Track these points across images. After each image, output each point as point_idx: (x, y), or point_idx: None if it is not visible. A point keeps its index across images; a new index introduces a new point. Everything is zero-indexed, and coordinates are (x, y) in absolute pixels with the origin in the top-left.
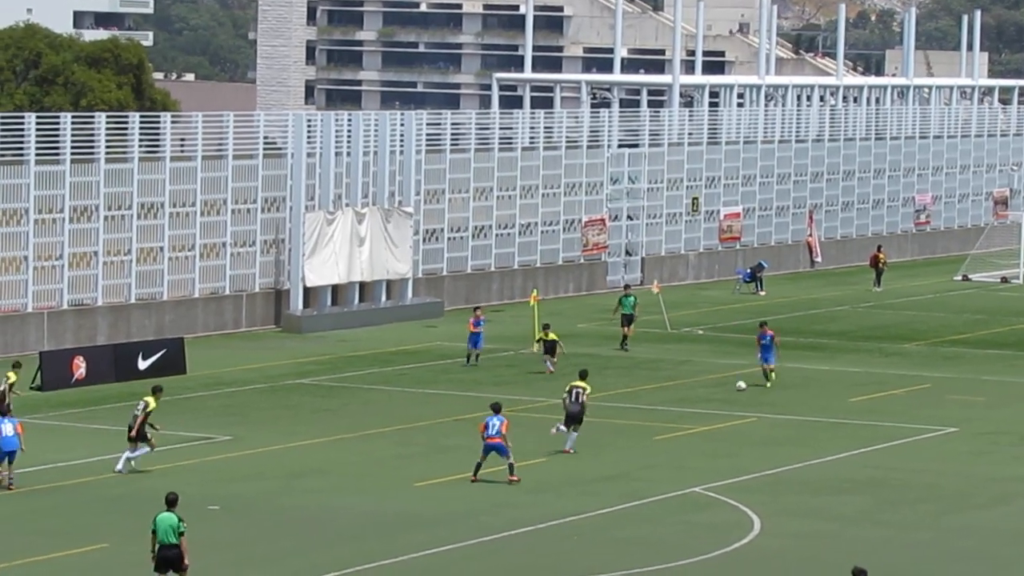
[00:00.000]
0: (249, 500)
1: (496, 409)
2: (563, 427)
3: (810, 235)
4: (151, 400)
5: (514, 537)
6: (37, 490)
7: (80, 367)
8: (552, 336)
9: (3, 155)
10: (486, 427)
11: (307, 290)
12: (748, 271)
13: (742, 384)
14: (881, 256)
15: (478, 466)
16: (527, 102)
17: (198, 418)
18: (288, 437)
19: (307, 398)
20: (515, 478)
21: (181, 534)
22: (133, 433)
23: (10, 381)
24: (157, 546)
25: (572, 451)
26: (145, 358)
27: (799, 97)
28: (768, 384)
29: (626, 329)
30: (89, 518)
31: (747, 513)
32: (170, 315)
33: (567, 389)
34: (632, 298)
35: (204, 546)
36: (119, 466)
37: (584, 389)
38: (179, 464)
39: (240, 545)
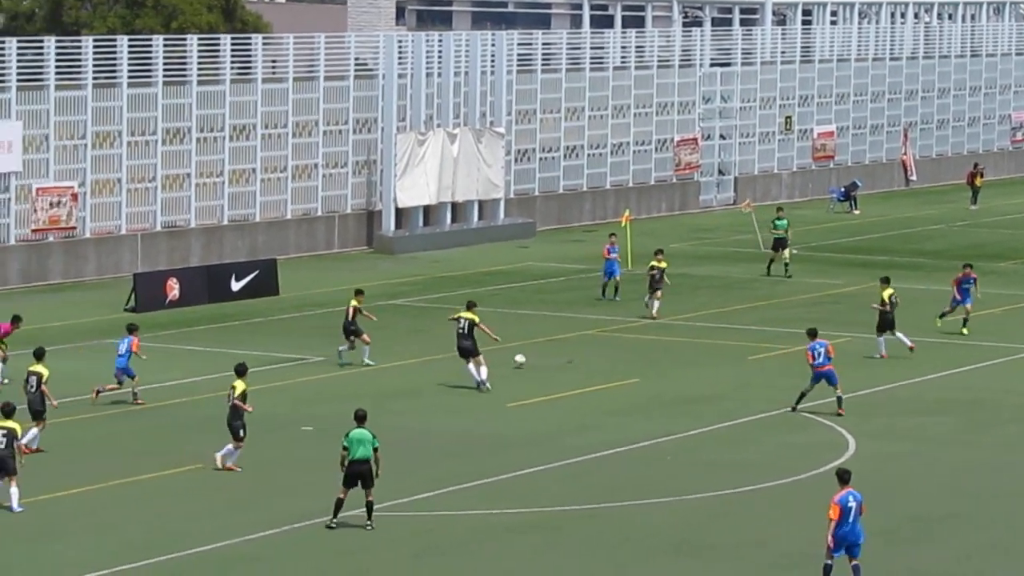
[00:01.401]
0: (342, 421)
1: (813, 335)
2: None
3: (905, 153)
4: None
5: (604, 458)
6: (133, 411)
7: (174, 288)
8: (663, 263)
9: (96, 78)
10: (813, 355)
11: (399, 211)
12: (842, 190)
13: (520, 358)
14: (978, 174)
15: (802, 395)
16: (618, 21)
17: (291, 339)
18: (380, 358)
19: (399, 319)
20: (842, 411)
21: (375, 448)
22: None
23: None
24: (348, 461)
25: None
26: (238, 279)
27: (893, 14)
28: (965, 331)
29: (779, 253)
30: (184, 439)
31: (842, 433)
32: (262, 236)
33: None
34: (785, 221)
35: (297, 467)
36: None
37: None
38: (272, 385)
39: (333, 466)
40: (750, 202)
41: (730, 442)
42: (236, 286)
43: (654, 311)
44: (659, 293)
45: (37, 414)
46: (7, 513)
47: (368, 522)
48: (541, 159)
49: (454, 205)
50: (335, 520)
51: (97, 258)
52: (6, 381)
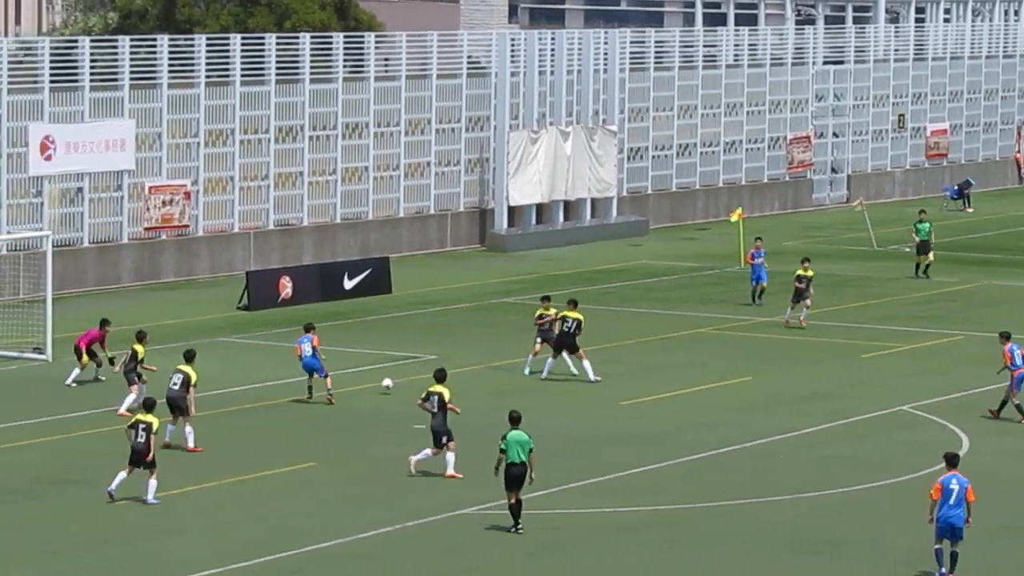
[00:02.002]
0: (455, 418)
1: (1007, 337)
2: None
3: (1018, 151)
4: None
5: (721, 455)
6: (246, 409)
7: (287, 287)
8: (809, 272)
9: (209, 76)
10: (1011, 357)
11: (511, 209)
12: (955, 188)
13: (388, 382)
14: None
15: (1003, 403)
16: (731, 19)
17: (403, 337)
18: (493, 355)
19: (512, 316)
20: None
21: (530, 451)
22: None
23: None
24: (505, 463)
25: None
26: (351, 277)
27: (1006, 12)
28: None
29: (923, 257)
30: (296, 437)
31: (955, 432)
32: (375, 234)
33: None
34: (927, 224)
35: (406, 465)
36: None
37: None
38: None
39: (443, 465)
40: (863, 200)
41: (846, 439)
42: (349, 284)
43: (801, 317)
44: (808, 302)
45: (178, 410)
46: (130, 508)
47: (517, 524)
48: (654, 157)
49: (566, 203)
50: (518, 525)
51: (210, 256)
52: (103, 378)
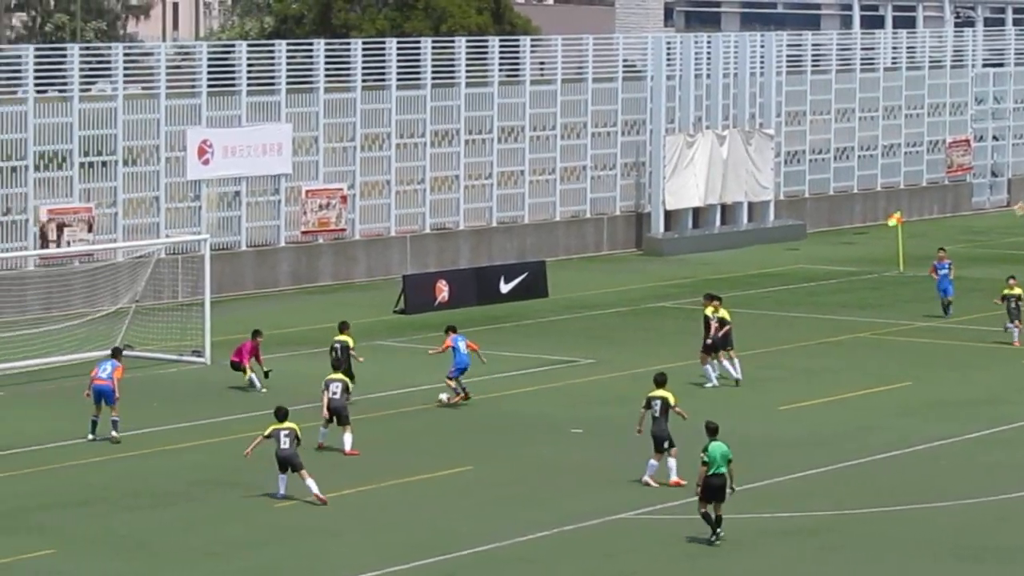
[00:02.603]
0: (612, 423)
1: None
2: None
3: None
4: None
5: (881, 461)
6: (403, 412)
7: (443, 290)
8: (1016, 290)
9: (365, 80)
10: None
11: (668, 213)
12: None
13: (444, 397)
14: None
15: None
16: (889, 21)
17: (561, 341)
18: (650, 359)
19: (669, 321)
20: None
21: (729, 461)
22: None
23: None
24: (707, 475)
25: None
26: (507, 281)
27: None
28: None
29: None
30: (453, 440)
31: None
32: (531, 238)
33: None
34: None
35: (567, 469)
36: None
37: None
38: (543, 387)
39: (604, 469)
40: (1023, 204)
41: (1009, 446)
42: (505, 288)
43: (1015, 339)
44: (1018, 323)
45: (342, 418)
46: (289, 510)
47: (717, 533)
48: (811, 161)
49: (723, 207)
50: (716, 535)
51: (367, 260)
52: (264, 390)
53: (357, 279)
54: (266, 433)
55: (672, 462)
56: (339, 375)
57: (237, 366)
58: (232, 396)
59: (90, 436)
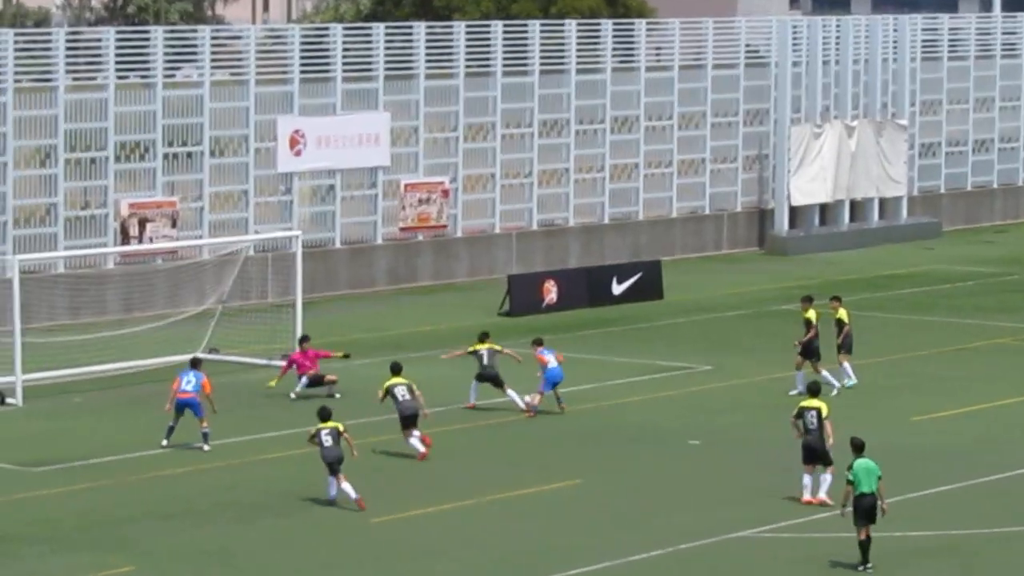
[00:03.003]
0: (731, 434)
1: None
2: None
3: None
4: None
5: (1021, 477)
6: (508, 422)
7: (551, 291)
8: None
9: (469, 66)
10: None
11: (793, 209)
12: None
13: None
14: None
15: None
16: None
17: (676, 346)
18: (772, 366)
19: (792, 325)
20: None
21: (878, 478)
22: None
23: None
24: (855, 495)
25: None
26: (620, 282)
27: None
28: None
29: None
30: (562, 452)
31: None
32: (645, 236)
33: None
34: None
35: (683, 483)
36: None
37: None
38: (658, 395)
39: (723, 483)
40: None
41: None
42: (617, 289)
43: None
44: None
45: (413, 424)
46: (386, 527)
47: (867, 563)
48: (948, 154)
49: (852, 203)
50: (865, 565)
51: (469, 258)
52: (337, 395)
53: (459, 279)
54: (311, 435)
55: (827, 479)
56: (401, 378)
57: (315, 379)
58: (325, 403)
59: (164, 443)
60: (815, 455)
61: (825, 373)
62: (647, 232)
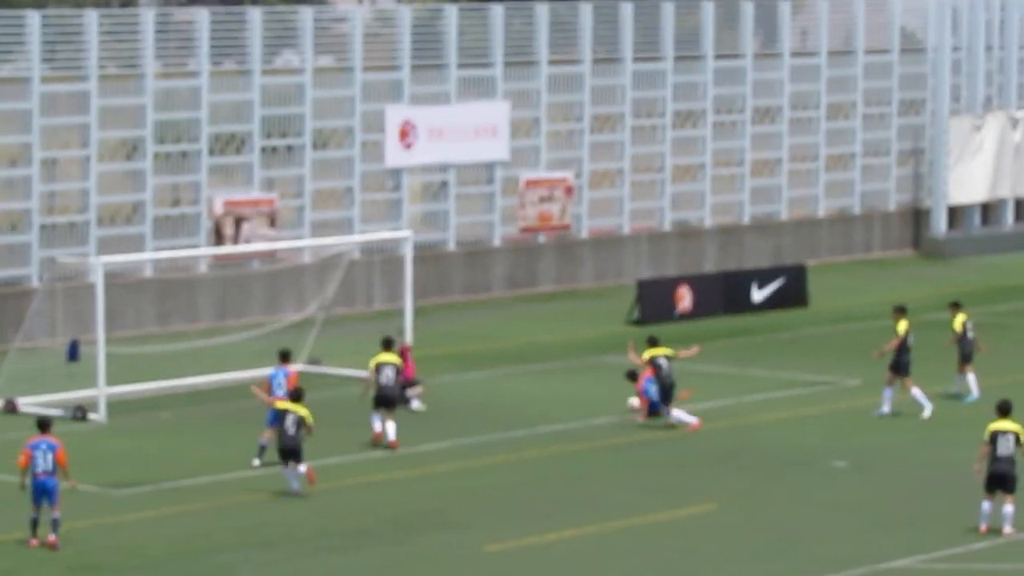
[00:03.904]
0: (881, 455)
1: None
2: None
3: None
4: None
5: None
6: (637, 441)
7: (684, 298)
8: None
9: (596, 51)
10: None
11: (951, 208)
12: None
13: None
14: None
15: None
16: None
17: (822, 359)
18: (927, 381)
19: (950, 335)
20: None
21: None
22: None
23: None
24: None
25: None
26: (760, 288)
27: None
28: None
29: None
30: (696, 474)
31: None
32: (789, 238)
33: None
34: None
35: (827, 508)
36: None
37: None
38: (800, 412)
39: (872, 508)
40: None
41: None
42: (758, 296)
43: None
44: None
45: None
46: (501, 557)
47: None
48: None
49: (1018, 202)
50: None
51: (595, 262)
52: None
53: (583, 284)
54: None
55: (1008, 509)
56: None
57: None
58: (435, 422)
59: (256, 462)
60: (1003, 483)
61: (915, 391)
62: (791, 233)
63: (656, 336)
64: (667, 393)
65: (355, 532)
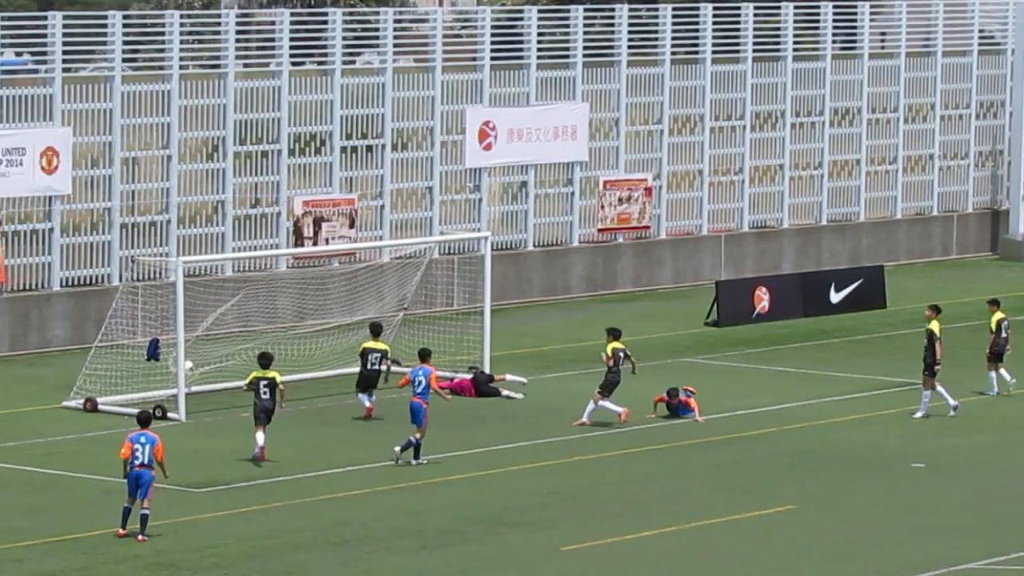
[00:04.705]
0: (961, 456)
1: None
2: None
3: None
4: None
5: None
6: (714, 441)
7: (763, 299)
8: None
9: (675, 52)
10: None
11: None
12: None
13: (189, 364)
14: None
15: None
16: None
17: (900, 360)
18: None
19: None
20: None
21: None
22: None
23: None
24: None
25: None
26: (838, 290)
27: None
28: None
29: None
30: (773, 475)
31: None
32: (867, 239)
33: None
34: None
35: (905, 510)
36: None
37: None
38: (878, 414)
39: (949, 510)
40: None
41: None
42: (836, 297)
43: None
44: None
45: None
46: (574, 556)
47: None
48: None
49: None
50: None
51: (673, 263)
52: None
53: (662, 285)
54: (247, 383)
55: None
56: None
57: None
58: (512, 421)
59: (414, 462)
60: None
61: (940, 389)
62: (869, 235)
63: (618, 329)
64: (610, 387)
65: (431, 532)
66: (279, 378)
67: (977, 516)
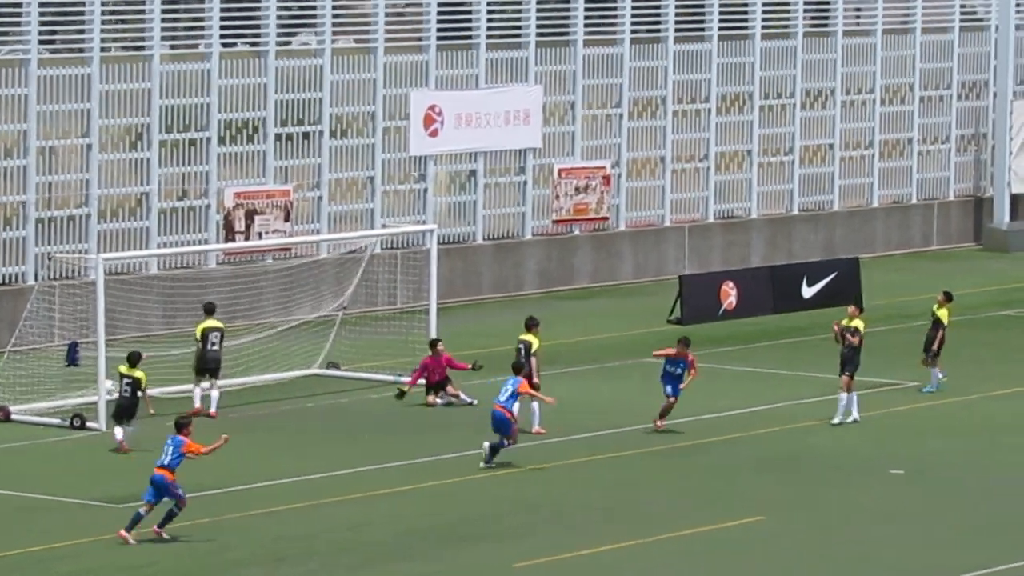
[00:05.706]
0: (941, 462)
1: None
2: None
3: None
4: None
5: None
6: (679, 448)
7: (730, 295)
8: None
9: (635, 31)
10: None
11: (1015, 197)
12: None
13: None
14: None
15: None
16: None
17: (877, 359)
18: (990, 382)
19: (1013, 333)
20: None
21: None
22: None
23: None
24: None
25: None
26: (810, 284)
27: None
28: None
29: None
30: (741, 483)
31: None
32: (842, 229)
33: None
34: None
35: (885, 520)
36: None
37: None
38: (860, 415)
39: (929, 519)
40: None
41: None
42: (808, 292)
43: None
44: None
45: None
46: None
47: None
48: None
49: None
50: None
51: (634, 256)
52: (475, 402)
53: (622, 280)
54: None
55: None
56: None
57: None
58: (466, 429)
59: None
60: None
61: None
62: (843, 225)
63: (535, 319)
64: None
65: (376, 546)
66: (145, 380)
67: (959, 526)
